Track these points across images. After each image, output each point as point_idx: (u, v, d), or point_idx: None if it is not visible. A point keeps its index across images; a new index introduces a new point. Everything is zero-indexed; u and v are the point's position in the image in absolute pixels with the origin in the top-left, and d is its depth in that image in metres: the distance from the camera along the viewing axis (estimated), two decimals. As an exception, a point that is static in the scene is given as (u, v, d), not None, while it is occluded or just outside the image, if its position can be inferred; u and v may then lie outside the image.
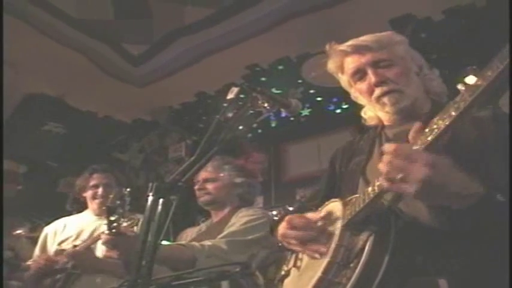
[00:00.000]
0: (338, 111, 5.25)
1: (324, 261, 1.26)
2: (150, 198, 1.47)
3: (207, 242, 2.41)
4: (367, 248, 1.19)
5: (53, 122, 4.81)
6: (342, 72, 1.61)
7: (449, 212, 1.12)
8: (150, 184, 1.60)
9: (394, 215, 1.23)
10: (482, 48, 3.23)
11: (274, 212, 5.62)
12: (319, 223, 1.39)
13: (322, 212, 1.45)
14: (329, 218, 1.39)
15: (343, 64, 1.59)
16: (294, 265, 1.48)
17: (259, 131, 5.68)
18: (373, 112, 1.60)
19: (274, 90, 4.90)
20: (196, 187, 2.83)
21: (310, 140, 5.67)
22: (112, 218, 2.10)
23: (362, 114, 1.66)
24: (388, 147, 1.08)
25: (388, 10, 3.91)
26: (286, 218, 1.46)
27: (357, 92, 1.59)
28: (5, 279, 4.15)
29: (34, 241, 5.25)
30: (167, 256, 2.29)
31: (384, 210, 1.23)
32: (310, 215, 1.45)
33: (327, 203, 1.46)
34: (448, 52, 3.72)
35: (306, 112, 5.35)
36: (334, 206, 1.41)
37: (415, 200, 1.15)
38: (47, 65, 4.40)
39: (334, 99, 5.09)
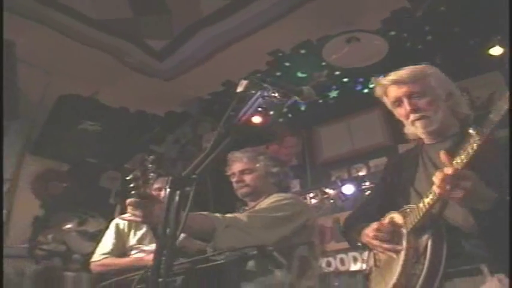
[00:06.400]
0: (365, 90, 5.18)
1: (400, 260, 1.68)
2: (168, 191, 1.56)
3: (229, 215, 2.48)
4: (429, 247, 1.61)
5: (87, 121, 4.97)
6: (387, 97, 1.98)
7: (476, 214, 1.56)
8: (166, 178, 1.69)
9: (443, 220, 1.65)
10: (505, 17, 3.13)
11: (312, 195, 5.69)
12: (391, 228, 1.78)
13: (386, 220, 1.83)
14: (394, 226, 1.79)
15: (387, 91, 1.96)
16: (375, 264, 1.90)
17: (290, 115, 5.70)
18: (411, 130, 1.95)
19: (299, 74, 4.91)
20: (234, 179, 2.92)
21: (340, 121, 5.65)
22: (127, 178, 2.05)
23: (405, 130, 2.00)
24: (448, 170, 1.45)
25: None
26: (372, 225, 1.85)
27: (398, 114, 1.96)
28: (60, 271, 4.37)
29: (83, 234, 5.50)
30: (188, 224, 2.36)
31: (435, 217, 1.66)
32: (382, 223, 1.84)
33: (387, 215, 1.84)
34: (470, 23, 3.62)
35: (334, 94, 5.33)
36: (395, 217, 1.80)
37: (456, 206, 1.57)
38: (77, 66, 4.53)
39: (360, 79, 5.04)
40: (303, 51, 4.56)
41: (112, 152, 5.49)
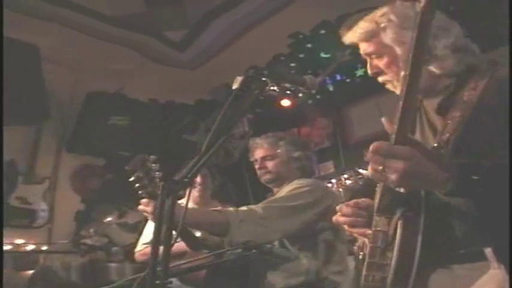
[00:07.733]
0: (392, 67, 5.02)
1: (368, 247, 1.38)
2: (159, 197, 1.55)
3: (243, 208, 2.48)
4: (398, 229, 1.29)
5: (116, 116, 5.05)
6: None
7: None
8: (158, 184, 1.68)
9: (426, 195, 1.28)
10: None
11: (346, 176, 5.61)
12: (365, 211, 1.48)
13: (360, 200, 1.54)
14: (367, 205, 1.49)
15: None
16: (363, 252, 1.59)
17: (318, 96, 5.61)
18: None
19: (322, 55, 4.80)
20: (256, 166, 2.90)
21: (369, 99, 5.50)
22: (131, 179, 2.12)
23: None
24: (371, 146, 1.18)
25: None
26: (337, 207, 1.56)
27: None
28: (104, 262, 4.53)
29: (123, 226, 5.64)
30: (201, 221, 2.38)
31: (411, 192, 1.26)
32: (362, 202, 1.52)
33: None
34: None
35: (360, 72, 5.17)
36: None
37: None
38: (100, 63, 4.62)
39: (385, 56, 4.87)
40: (322, 32, 4.44)
41: (145, 144, 5.58)
